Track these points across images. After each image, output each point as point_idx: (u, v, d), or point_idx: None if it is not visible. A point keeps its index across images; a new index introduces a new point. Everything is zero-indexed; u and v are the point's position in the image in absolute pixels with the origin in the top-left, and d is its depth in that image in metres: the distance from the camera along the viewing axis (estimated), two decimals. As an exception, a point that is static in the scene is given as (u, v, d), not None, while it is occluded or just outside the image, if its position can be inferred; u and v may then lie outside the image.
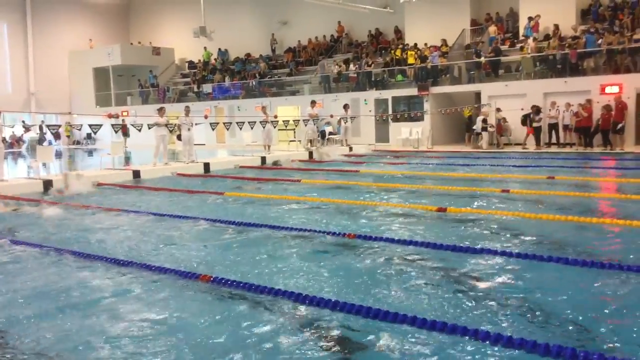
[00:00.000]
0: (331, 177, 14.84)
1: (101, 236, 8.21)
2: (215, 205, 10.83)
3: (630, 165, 15.59)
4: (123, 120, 21.29)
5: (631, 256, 6.37)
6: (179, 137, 20.01)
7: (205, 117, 18.78)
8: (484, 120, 21.61)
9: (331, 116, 24.62)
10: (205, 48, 37.23)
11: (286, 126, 25.17)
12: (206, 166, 17.05)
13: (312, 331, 4.46)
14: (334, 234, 7.60)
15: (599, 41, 20.87)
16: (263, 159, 19.04)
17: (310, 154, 20.97)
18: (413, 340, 4.19)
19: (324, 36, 33.53)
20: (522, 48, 23.42)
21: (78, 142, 37.55)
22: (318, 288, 5.49)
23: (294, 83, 31.37)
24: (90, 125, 16.43)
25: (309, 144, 22.73)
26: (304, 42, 34.05)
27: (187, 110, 18.09)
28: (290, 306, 4.96)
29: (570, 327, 4.40)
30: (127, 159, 21.01)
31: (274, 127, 20.97)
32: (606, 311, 4.81)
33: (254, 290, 5.32)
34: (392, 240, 7.18)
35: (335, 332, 4.41)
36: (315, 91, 29.08)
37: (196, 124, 17.95)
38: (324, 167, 17.42)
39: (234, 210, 10.05)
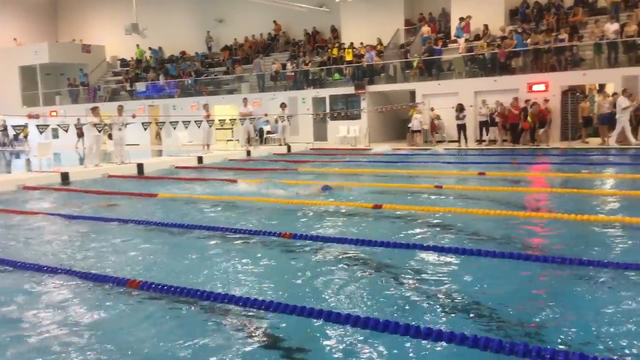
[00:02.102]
0: (269, 176, 14.72)
1: (22, 241, 7.81)
2: (147, 206, 10.50)
3: (555, 160, 16.24)
4: (79, 119, 20.18)
5: (558, 247, 6.62)
6: (110, 137, 19.36)
7: (133, 116, 18.18)
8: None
9: (265, 115, 24.51)
10: (137, 45, 36.22)
11: (222, 125, 24.83)
12: (140, 167, 16.54)
13: (246, 333, 4.38)
14: (270, 233, 7.51)
15: (527, 41, 21.66)
16: (200, 159, 18.68)
17: (249, 152, 20.76)
18: (351, 339, 4.17)
19: (261, 34, 33.31)
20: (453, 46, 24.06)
21: (4, 144, 35.69)
22: (253, 289, 5.40)
23: (231, 81, 31.00)
24: (13, 127, 15.62)
25: (248, 143, 22.52)
26: (241, 40, 33.71)
27: (120, 110, 17.50)
28: (224, 308, 4.85)
29: (506, 320, 4.49)
30: (82, 160, 20.03)
31: (210, 126, 20.61)
32: (538, 302, 4.95)
33: (186, 294, 5.17)
34: (328, 239, 7.17)
35: (272, 333, 4.35)
36: (253, 90, 28.86)
37: (127, 124, 17.36)
38: (262, 166, 17.27)
39: (167, 212, 9.78)
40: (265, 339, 4.28)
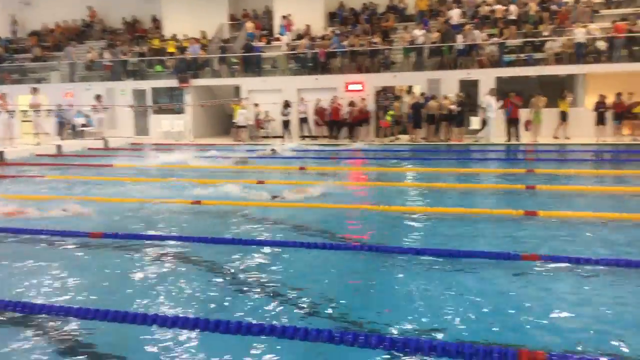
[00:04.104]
0: (80, 173, 13.71)
1: None
2: None
3: (372, 155, 17.28)
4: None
5: (371, 236, 7.06)
6: None
7: None
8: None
9: (70, 106, 22.86)
10: None
11: (25, 116, 22.57)
12: None
13: (49, 342, 4.02)
14: (76, 234, 6.98)
15: (344, 42, 22.81)
16: (0, 154, 16.78)
17: (59, 147, 19.15)
18: (171, 341, 4.04)
19: (74, 20, 30.87)
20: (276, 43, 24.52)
21: None
22: (59, 294, 4.98)
23: (39, 70, 28.26)
24: None
25: (62, 135, 20.76)
26: (51, 25, 30.92)
27: None
28: (26, 317, 4.41)
29: (329, 310, 4.67)
30: None
31: (11, 117, 18.58)
32: (359, 290, 5.24)
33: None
34: (144, 237, 6.87)
35: (84, 340, 4.06)
36: (65, 79, 26.64)
37: None
38: (74, 161, 16.02)
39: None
40: (69, 348, 3.96)
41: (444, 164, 14.29)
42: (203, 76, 24.85)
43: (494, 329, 4.30)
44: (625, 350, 3.90)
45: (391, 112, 20.68)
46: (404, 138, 21.07)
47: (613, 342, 4.02)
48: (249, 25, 25.82)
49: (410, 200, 9.64)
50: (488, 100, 18.87)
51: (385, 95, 22.41)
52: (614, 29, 20.05)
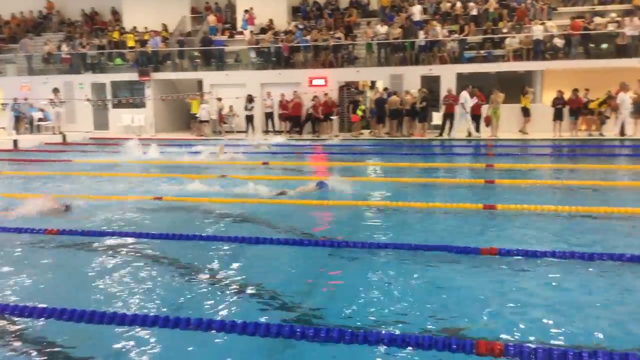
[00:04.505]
0: (37, 169, 13.37)
1: None
2: None
3: (336, 150, 17.27)
4: None
5: (332, 231, 7.09)
6: None
7: None
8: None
9: (25, 99, 22.28)
10: None
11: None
12: None
13: (12, 339, 3.92)
14: (31, 231, 6.80)
15: (307, 37, 22.78)
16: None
17: (15, 142, 18.61)
18: (130, 339, 3.98)
19: (31, 12, 29.99)
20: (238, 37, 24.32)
21: None
22: (14, 294, 4.85)
23: (-6, 62, 27.38)
24: None
25: (19, 130, 20.21)
26: (6, 16, 29.96)
27: None
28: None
29: (287, 304, 4.68)
30: None
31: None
32: (322, 285, 5.28)
33: None
34: (103, 234, 6.75)
35: (40, 340, 3.97)
36: (22, 72, 25.87)
37: None
38: (29, 157, 15.60)
39: None
40: (23, 348, 3.86)
41: (408, 159, 14.42)
42: (164, 70, 24.48)
43: (453, 321, 4.38)
44: (582, 339, 4.03)
45: (362, 107, 20.71)
46: (367, 133, 21.18)
47: (566, 331, 4.14)
48: (211, 19, 25.55)
49: (375, 195, 9.72)
50: (465, 96, 19.17)
51: (350, 90, 22.49)
52: (570, 26, 20.56)
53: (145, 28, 25.86)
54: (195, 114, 22.30)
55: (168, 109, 24.40)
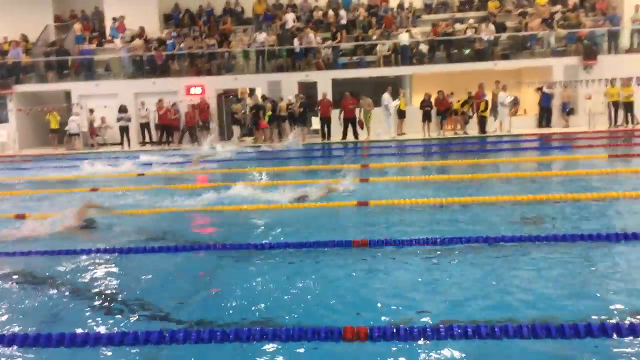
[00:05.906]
0: None
1: None
2: None
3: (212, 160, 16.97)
4: None
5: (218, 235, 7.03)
6: None
7: None
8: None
9: None
10: None
11: None
12: None
13: None
14: None
15: (182, 45, 22.37)
16: None
17: None
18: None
19: None
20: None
21: None
22: None
23: None
24: None
25: None
26: None
27: None
28: None
29: (174, 312, 4.58)
30: None
31: None
32: (205, 289, 5.26)
33: None
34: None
35: None
36: None
37: None
38: None
39: None
40: None
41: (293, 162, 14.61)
42: (27, 82, 22.92)
43: (324, 311, 4.51)
44: (442, 325, 4.30)
45: (269, 113, 20.40)
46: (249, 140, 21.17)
47: (422, 312, 4.40)
48: (77, 27, 24.32)
49: (254, 198, 9.74)
50: (387, 98, 19.83)
51: (229, 97, 22.39)
52: (432, 32, 21.93)
53: (5, 38, 24.07)
54: (55, 129, 21.07)
55: (34, 124, 22.86)
